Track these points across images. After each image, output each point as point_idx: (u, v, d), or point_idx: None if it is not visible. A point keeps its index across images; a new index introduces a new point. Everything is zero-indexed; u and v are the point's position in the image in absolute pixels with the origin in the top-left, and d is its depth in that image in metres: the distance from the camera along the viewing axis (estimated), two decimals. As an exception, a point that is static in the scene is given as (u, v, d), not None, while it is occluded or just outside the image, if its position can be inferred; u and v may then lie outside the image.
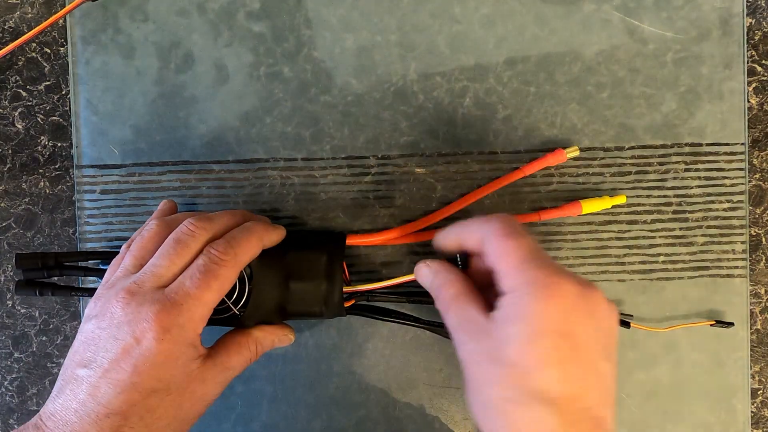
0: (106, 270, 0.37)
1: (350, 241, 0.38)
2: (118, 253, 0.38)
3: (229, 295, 0.35)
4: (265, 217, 0.38)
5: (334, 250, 0.37)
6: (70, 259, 0.37)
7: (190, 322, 0.31)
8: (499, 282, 0.29)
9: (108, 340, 0.30)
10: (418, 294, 0.38)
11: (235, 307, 0.35)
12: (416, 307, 0.40)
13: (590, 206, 0.39)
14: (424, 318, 0.39)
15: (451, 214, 0.39)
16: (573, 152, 0.39)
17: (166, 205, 0.38)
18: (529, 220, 0.39)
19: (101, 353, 0.30)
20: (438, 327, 0.39)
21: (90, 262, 0.39)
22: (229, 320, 0.35)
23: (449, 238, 0.34)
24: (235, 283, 0.35)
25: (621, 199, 0.39)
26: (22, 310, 0.41)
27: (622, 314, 0.40)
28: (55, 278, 0.39)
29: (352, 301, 0.37)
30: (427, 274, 0.34)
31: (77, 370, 0.30)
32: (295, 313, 0.36)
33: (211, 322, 0.35)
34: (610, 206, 0.39)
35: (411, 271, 0.39)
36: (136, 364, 0.29)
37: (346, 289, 0.36)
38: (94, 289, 0.38)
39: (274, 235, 0.36)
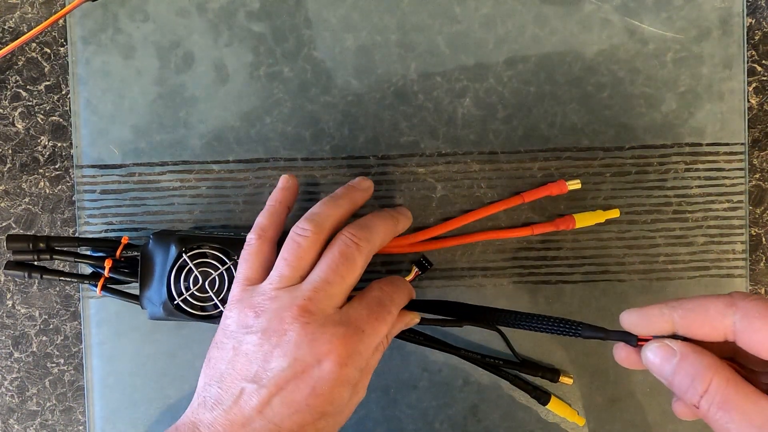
0: (98, 257, 0.37)
1: None
2: (108, 240, 0.38)
3: (217, 291, 0.35)
4: (405, 211, 0.38)
5: None
6: (63, 244, 0.37)
7: (367, 350, 0.31)
8: None
9: (282, 358, 0.29)
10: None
11: (221, 304, 0.35)
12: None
13: (583, 220, 0.39)
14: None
15: (450, 230, 0.39)
16: (575, 185, 0.39)
17: (289, 182, 0.36)
18: (523, 234, 0.39)
19: (274, 370, 0.29)
20: (434, 342, 0.39)
21: (82, 248, 0.38)
22: (209, 317, 0.35)
23: (657, 318, 0.28)
24: (225, 278, 0.35)
25: (614, 213, 0.39)
26: (22, 310, 0.41)
27: None
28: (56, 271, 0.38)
29: None
30: (668, 358, 0.28)
31: (243, 383, 0.29)
32: None
33: (192, 316, 0.35)
34: (603, 220, 0.39)
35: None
36: (315, 386, 0.29)
37: None
38: (85, 276, 0.37)
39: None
